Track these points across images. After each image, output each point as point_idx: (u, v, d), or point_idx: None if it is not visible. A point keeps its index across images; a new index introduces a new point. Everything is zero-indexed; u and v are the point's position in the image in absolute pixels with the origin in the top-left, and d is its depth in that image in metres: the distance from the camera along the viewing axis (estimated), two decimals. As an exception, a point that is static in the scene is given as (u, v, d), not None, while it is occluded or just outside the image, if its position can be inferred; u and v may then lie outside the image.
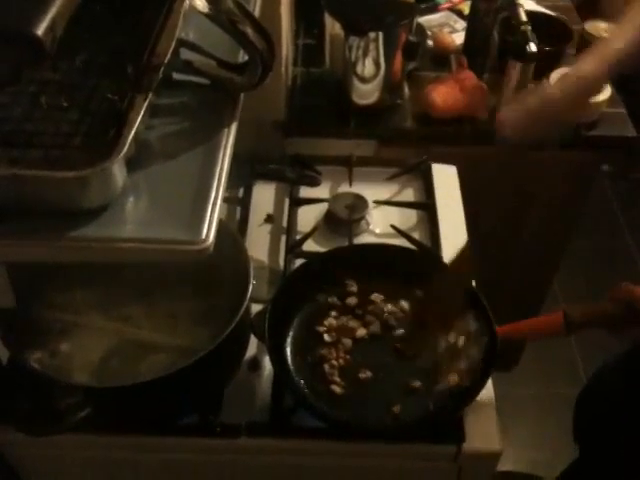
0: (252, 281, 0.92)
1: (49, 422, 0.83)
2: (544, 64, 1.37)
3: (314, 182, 1.24)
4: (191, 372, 0.85)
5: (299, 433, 0.92)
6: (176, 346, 0.95)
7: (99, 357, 0.94)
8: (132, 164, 0.67)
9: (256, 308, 0.99)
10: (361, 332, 0.99)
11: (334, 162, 1.29)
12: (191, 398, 0.92)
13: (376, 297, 1.03)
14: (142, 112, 0.67)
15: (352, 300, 1.03)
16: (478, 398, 0.90)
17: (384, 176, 1.27)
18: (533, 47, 1.28)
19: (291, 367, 0.96)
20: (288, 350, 0.98)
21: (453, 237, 1.15)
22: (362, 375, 0.94)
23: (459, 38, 1.54)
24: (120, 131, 0.65)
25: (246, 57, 0.81)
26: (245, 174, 1.24)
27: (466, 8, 1.62)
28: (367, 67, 1.34)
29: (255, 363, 1.00)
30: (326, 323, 1.00)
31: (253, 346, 1.01)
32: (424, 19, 1.60)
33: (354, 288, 1.04)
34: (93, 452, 0.93)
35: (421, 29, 1.53)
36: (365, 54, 1.33)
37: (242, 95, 0.82)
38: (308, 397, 0.92)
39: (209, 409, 0.93)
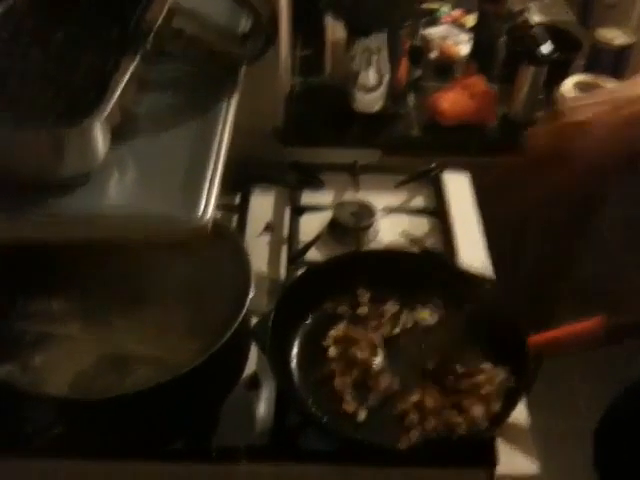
0: (252, 290, 0.82)
1: (13, 443, 0.71)
2: (554, 74, 1.31)
3: (317, 186, 1.14)
4: (180, 387, 0.73)
5: (306, 457, 0.79)
6: (165, 360, 0.83)
7: (77, 371, 0.82)
8: (118, 137, 0.58)
9: (255, 321, 0.88)
10: (375, 345, 0.88)
11: (337, 169, 1.20)
12: (181, 418, 0.80)
13: (390, 306, 0.92)
14: (127, 75, 0.59)
15: (364, 310, 0.92)
16: (510, 420, 0.80)
17: (391, 184, 1.18)
18: (545, 49, 1.21)
19: (296, 382, 0.84)
20: (293, 364, 0.86)
21: (469, 245, 1.05)
22: (377, 393, 0.83)
23: (463, 50, 1.48)
24: (103, 93, 0.56)
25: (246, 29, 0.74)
26: (242, 180, 1.15)
27: (469, 21, 1.57)
28: (370, 74, 1.27)
29: (255, 381, 0.88)
30: (335, 334, 0.89)
31: (252, 362, 0.89)
32: (426, 32, 1.54)
33: (365, 297, 0.93)
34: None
35: (425, 40, 1.47)
36: (368, 60, 1.26)
37: (243, 69, 0.74)
38: (316, 415, 0.80)
39: (203, 431, 0.81)
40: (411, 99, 1.35)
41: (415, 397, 0.82)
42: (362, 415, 0.81)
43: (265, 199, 1.15)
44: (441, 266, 0.94)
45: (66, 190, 0.52)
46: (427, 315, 0.92)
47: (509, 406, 0.80)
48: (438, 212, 1.12)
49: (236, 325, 0.75)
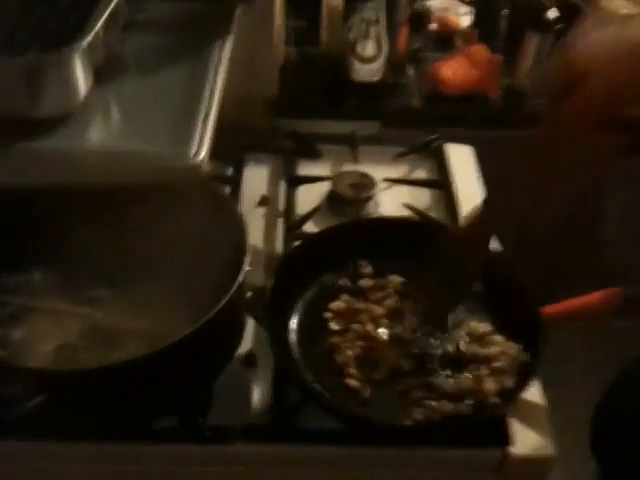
0: (248, 257, 0.76)
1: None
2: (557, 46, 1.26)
3: (314, 156, 1.09)
4: (170, 359, 0.68)
5: (307, 437, 0.74)
6: (156, 334, 0.77)
7: (60, 345, 0.76)
8: (104, 79, 0.53)
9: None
10: (379, 318, 0.83)
11: (334, 140, 1.14)
12: (172, 394, 0.74)
13: (394, 279, 0.87)
14: (109, 9, 0.53)
15: (366, 282, 0.87)
16: (524, 397, 0.75)
17: (391, 155, 1.13)
18: (552, 13, 1.16)
19: (296, 356, 0.79)
20: (292, 337, 0.81)
21: (475, 218, 1.00)
22: (382, 368, 0.77)
23: (464, 21, 1.42)
24: (83, 26, 0.50)
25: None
26: (234, 150, 1.09)
27: (469, -7, 1.51)
28: (369, 44, 1.21)
29: (251, 358, 0.83)
30: (337, 307, 0.84)
31: (248, 339, 0.83)
32: (425, 3, 1.48)
33: (367, 269, 0.88)
34: (49, 464, 0.74)
35: (425, 11, 1.42)
36: (367, 31, 1.20)
37: (239, 10, 0.69)
38: (318, 391, 0.74)
39: (195, 409, 0.75)
40: (411, 70, 1.29)
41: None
42: (367, 391, 0.75)
43: (259, 170, 1.09)
44: (447, 236, 0.89)
45: (47, 129, 0.46)
46: (433, 287, 0.86)
47: (523, 382, 0.75)
48: (441, 184, 1.07)
49: (232, 292, 0.69)
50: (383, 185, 1.06)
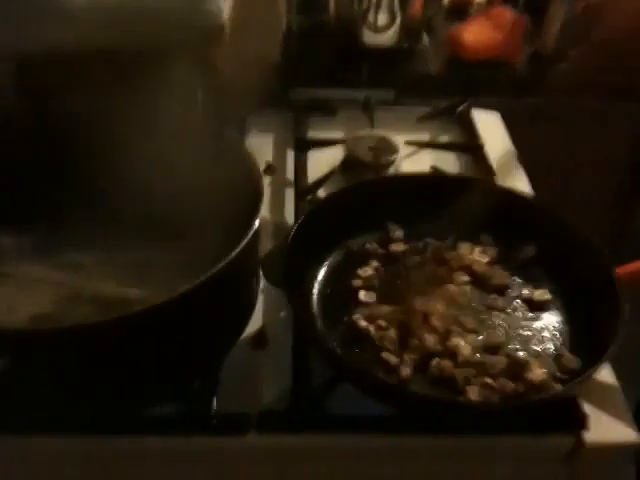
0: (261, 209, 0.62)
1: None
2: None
3: (328, 110, 0.96)
4: (165, 327, 0.54)
5: (339, 424, 0.60)
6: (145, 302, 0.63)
7: (32, 316, 0.62)
8: None
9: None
10: (417, 287, 0.70)
11: (348, 105, 1.02)
12: (170, 372, 0.60)
13: (433, 243, 0.74)
14: None
15: (398, 246, 0.74)
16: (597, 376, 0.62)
17: (412, 119, 1.00)
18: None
19: (320, 329, 0.65)
20: (314, 307, 0.67)
21: (511, 183, 0.88)
22: (423, 344, 0.64)
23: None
24: None
25: None
26: (236, 111, 0.96)
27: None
28: (380, 15, 1.10)
29: (261, 338, 0.69)
30: (364, 275, 0.71)
31: (257, 318, 0.70)
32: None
33: (398, 233, 0.75)
34: (27, 464, 0.59)
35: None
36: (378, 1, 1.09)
37: None
38: (350, 366, 0.61)
39: (200, 393, 0.61)
40: (426, 37, 1.18)
41: (466, 350, 0.64)
42: (407, 370, 0.62)
43: (264, 133, 0.97)
44: (492, 194, 0.76)
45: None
46: (477, 254, 0.74)
47: (595, 359, 0.62)
48: (471, 147, 0.95)
49: (245, 242, 0.56)
50: (406, 149, 0.94)
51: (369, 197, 0.75)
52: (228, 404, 0.61)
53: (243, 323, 0.65)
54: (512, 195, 0.76)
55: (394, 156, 0.91)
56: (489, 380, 0.61)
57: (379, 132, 0.95)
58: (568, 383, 0.61)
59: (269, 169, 0.93)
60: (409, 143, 0.94)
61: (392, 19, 1.12)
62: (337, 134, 0.97)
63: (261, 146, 0.96)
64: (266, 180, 0.92)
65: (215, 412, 0.60)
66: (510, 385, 0.61)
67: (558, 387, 0.61)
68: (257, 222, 0.57)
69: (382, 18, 1.12)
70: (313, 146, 0.94)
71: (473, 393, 0.60)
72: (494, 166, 0.90)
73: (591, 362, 0.61)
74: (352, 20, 1.13)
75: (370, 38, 1.13)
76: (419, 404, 0.56)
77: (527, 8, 1.18)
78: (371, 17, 1.12)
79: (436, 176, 0.82)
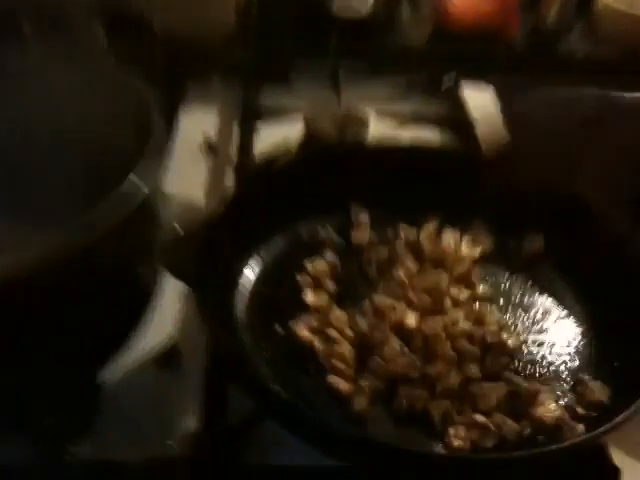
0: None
1: None
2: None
3: (283, 75, 0.79)
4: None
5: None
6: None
7: None
8: None
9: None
10: (384, 288, 0.51)
11: (312, 79, 0.84)
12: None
13: (406, 231, 0.56)
14: None
15: (362, 234, 0.56)
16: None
17: (387, 92, 0.83)
18: None
19: (245, 341, 0.46)
20: (239, 312, 0.49)
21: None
22: (386, 366, 0.45)
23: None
24: None
25: None
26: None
27: None
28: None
29: (171, 355, 0.51)
30: (314, 269, 0.52)
31: (169, 327, 0.51)
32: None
33: (363, 217, 0.57)
34: None
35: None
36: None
37: None
38: (284, 396, 0.42)
39: (56, 429, 0.42)
40: (407, 6, 1.01)
41: (452, 378, 0.45)
42: (362, 401, 0.43)
43: (209, 107, 0.78)
44: (486, 170, 0.58)
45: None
46: (466, 246, 0.56)
47: (627, 388, 0.44)
48: (457, 124, 0.77)
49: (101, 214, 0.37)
50: (378, 126, 0.76)
51: (326, 171, 0.57)
52: (103, 448, 0.42)
53: (134, 314, 0.46)
54: (512, 172, 0.58)
55: (363, 132, 0.73)
56: (480, 417, 0.43)
57: (347, 103, 0.78)
58: (593, 422, 0.42)
59: (210, 148, 0.75)
60: (383, 116, 0.76)
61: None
62: (296, 102, 0.78)
63: (202, 120, 0.77)
64: (205, 161, 0.74)
65: (77, 461, 0.41)
66: (510, 425, 0.42)
67: (579, 428, 0.42)
68: (137, 180, 0.38)
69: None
70: (263, 117, 0.76)
71: (456, 436, 0.41)
72: (484, 147, 0.72)
73: (624, 392, 0.43)
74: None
75: (340, 8, 0.96)
76: (373, 456, 0.37)
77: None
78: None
79: (414, 148, 0.63)
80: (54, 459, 0.41)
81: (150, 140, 0.40)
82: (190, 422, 0.45)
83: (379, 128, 0.76)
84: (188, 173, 0.70)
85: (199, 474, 0.42)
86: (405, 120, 0.77)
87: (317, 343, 0.46)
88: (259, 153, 0.72)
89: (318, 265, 0.52)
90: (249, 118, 0.76)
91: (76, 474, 0.42)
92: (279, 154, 0.65)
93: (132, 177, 0.37)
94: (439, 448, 0.41)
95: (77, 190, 0.43)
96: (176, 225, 0.46)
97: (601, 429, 0.39)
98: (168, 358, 0.51)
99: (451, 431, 0.42)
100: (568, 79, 0.90)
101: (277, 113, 0.77)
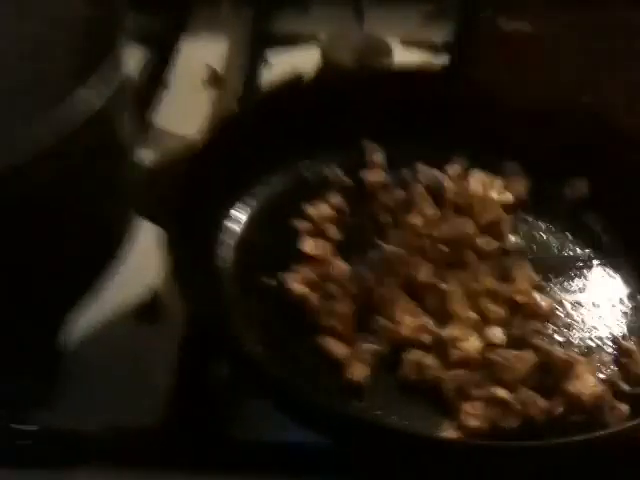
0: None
1: None
2: None
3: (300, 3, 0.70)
4: None
5: (243, 457, 0.36)
6: None
7: None
8: None
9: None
10: (395, 237, 0.44)
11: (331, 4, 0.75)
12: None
13: (424, 171, 0.48)
14: None
15: (376, 175, 0.48)
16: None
17: (414, 19, 0.73)
18: None
19: (230, 299, 0.40)
20: (226, 261, 0.42)
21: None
22: (401, 322, 0.38)
23: None
24: None
25: None
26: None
27: None
28: None
29: (152, 308, 0.44)
30: (317, 214, 0.45)
31: (152, 277, 0.45)
32: None
33: (379, 156, 0.49)
34: None
35: None
36: None
37: None
38: (269, 365, 0.36)
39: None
40: None
41: (472, 343, 0.38)
42: (360, 368, 0.37)
43: (215, 36, 0.70)
44: (525, 100, 0.49)
45: None
46: (497, 190, 0.48)
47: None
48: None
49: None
50: (403, 54, 0.67)
51: (338, 101, 0.49)
52: (64, 417, 0.37)
53: (88, 273, 0.39)
54: (554, 103, 0.49)
55: (386, 61, 0.65)
56: (502, 392, 0.36)
57: (368, 29, 0.69)
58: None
59: (215, 80, 0.68)
60: (409, 45, 0.67)
61: None
62: (312, 27, 0.70)
63: (208, 49, 0.70)
64: (209, 94, 0.66)
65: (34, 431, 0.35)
66: (539, 402, 0.35)
67: (623, 409, 0.35)
68: (88, 96, 0.31)
69: None
70: (276, 46, 0.68)
71: (472, 414, 0.35)
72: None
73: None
74: None
75: None
76: (368, 437, 0.31)
77: None
78: None
79: (441, 72, 0.55)
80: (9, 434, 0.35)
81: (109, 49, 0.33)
82: (168, 388, 0.39)
83: (404, 58, 0.67)
84: (187, 107, 0.63)
85: (174, 446, 0.37)
86: (434, 50, 0.68)
87: (313, 299, 0.39)
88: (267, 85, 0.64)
89: (321, 209, 0.45)
90: (260, 47, 0.68)
91: (37, 447, 0.36)
92: (286, 82, 0.57)
93: (81, 92, 0.30)
94: (450, 429, 0.34)
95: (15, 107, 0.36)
96: (148, 159, 0.40)
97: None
98: (147, 312, 0.45)
99: (466, 407, 0.35)
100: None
101: (291, 41, 0.69)
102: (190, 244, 0.38)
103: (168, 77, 0.66)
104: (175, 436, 0.37)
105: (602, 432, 0.32)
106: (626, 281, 0.43)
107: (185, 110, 0.63)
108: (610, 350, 0.39)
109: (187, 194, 0.40)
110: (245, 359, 0.34)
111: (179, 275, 0.36)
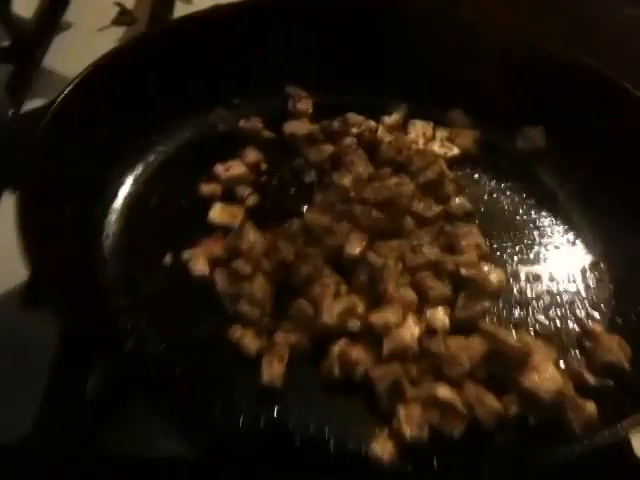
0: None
1: None
2: None
3: None
4: None
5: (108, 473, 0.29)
6: None
7: None
8: None
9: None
10: (321, 201, 0.37)
11: None
12: None
13: (357, 121, 0.41)
14: None
15: (300, 126, 0.41)
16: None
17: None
18: None
19: (114, 280, 0.32)
20: (114, 234, 0.35)
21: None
22: (326, 307, 0.32)
23: None
24: None
25: None
26: None
27: None
28: None
29: (34, 292, 0.37)
30: (227, 174, 0.38)
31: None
32: None
33: (305, 103, 0.42)
34: None
35: None
36: None
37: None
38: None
39: None
40: None
41: (408, 329, 0.32)
42: (275, 366, 0.30)
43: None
44: (474, 37, 0.42)
45: None
46: (439, 143, 0.41)
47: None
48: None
49: None
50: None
51: (253, 35, 0.41)
52: None
53: None
54: (507, 40, 0.42)
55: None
56: (444, 392, 0.29)
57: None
58: (609, 399, 0.30)
59: (123, 14, 0.59)
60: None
61: None
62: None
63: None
64: (117, 33, 0.57)
65: None
66: (489, 402, 0.29)
67: (588, 408, 0.29)
68: None
69: None
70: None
71: (408, 420, 0.28)
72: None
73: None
74: None
75: None
76: (271, 454, 0.24)
77: None
78: None
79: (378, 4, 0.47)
80: None
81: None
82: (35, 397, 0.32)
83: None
84: (90, 49, 0.54)
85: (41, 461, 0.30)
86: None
87: (219, 279, 0.32)
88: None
89: (234, 168, 0.38)
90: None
91: None
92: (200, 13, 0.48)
93: None
94: (380, 440, 0.28)
95: None
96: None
97: (626, 422, 0.26)
98: (29, 294, 0.37)
99: (401, 412, 0.29)
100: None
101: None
102: (53, 215, 0.30)
103: (67, 18, 0.57)
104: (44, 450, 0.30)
105: (566, 449, 0.26)
106: (588, 247, 0.37)
107: (88, 52, 0.54)
108: (572, 333, 0.33)
109: (60, 151, 0.32)
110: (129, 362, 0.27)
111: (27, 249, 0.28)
